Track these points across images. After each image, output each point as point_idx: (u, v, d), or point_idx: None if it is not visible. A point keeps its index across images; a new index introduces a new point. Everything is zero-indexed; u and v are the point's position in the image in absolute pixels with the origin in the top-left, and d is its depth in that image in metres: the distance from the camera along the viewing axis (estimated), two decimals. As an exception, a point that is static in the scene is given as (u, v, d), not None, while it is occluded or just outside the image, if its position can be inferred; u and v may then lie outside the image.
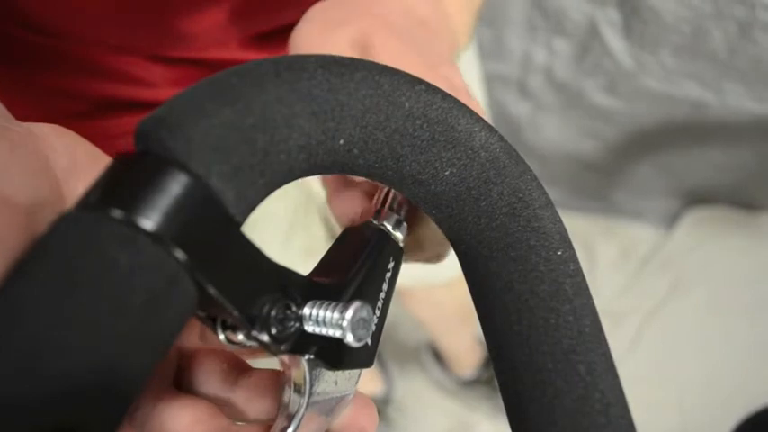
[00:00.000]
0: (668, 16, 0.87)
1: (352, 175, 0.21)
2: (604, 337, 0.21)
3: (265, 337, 0.17)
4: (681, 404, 1.11)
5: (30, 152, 0.18)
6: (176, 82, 0.44)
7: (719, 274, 1.22)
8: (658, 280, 1.25)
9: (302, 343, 0.19)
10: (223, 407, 0.21)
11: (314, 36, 0.26)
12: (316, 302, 0.19)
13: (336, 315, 0.18)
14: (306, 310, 0.19)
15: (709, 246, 1.25)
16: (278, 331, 0.18)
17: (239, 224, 0.17)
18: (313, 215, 0.62)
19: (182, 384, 0.22)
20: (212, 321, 0.19)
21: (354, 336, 0.18)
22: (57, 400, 0.13)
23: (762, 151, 1.07)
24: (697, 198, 1.27)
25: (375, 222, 0.24)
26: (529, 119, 1.19)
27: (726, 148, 1.09)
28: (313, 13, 0.27)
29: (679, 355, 1.16)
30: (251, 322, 0.17)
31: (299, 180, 0.19)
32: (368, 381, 1.15)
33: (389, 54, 0.24)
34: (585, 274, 0.21)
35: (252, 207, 0.18)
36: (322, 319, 0.18)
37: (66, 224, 0.15)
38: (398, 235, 0.24)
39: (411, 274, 0.78)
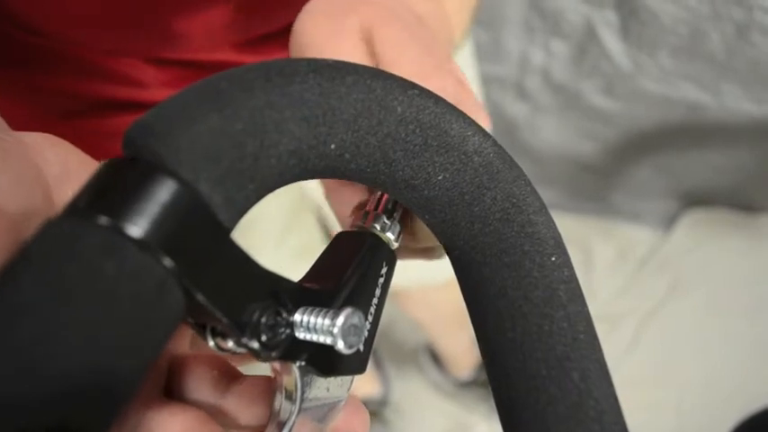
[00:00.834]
0: (666, 18, 0.87)
1: (344, 179, 0.21)
2: (599, 343, 0.21)
3: (255, 345, 0.17)
4: (679, 406, 1.11)
5: (21, 161, 0.18)
6: (169, 83, 0.44)
7: (718, 275, 1.22)
8: (656, 281, 1.25)
9: (293, 350, 0.19)
10: (214, 414, 0.21)
11: (320, 26, 0.25)
12: (307, 309, 0.19)
13: (327, 322, 0.18)
14: (297, 317, 0.18)
15: (707, 247, 1.25)
16: (268, 338, 0.18)
17: (228, 230, 0.17)
18: (307, 215, 0.62)
19: (173, 392, 0.22)
20: (202, 328, 0.19)
21: (345, 343, 0.18)
22: (42, 407, 0.13)
23: (760, 153, 1.07)
24: (695, 199, 1.27)
25: (368, 227, 0.24)
26: (526, 120, 1.19)
27: (724, 150, 1.09)
28: (313, 5, 0.26)
29: (677, 357, 1.16)
30: (241, 329, 0.17)
31: None
32: (365, 382, 1.15)
33: (393, 45, 0.24)
34: (583, 276, 0.21)
35: (242, 213, 0.17)
36: (313, 325, 0.18)
37: (53, 231, 0.15)
38: (392, 239, 0.24)
39: (407, 275, 0.77)
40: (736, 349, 1.15)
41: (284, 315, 0.18)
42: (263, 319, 0.17)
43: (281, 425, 0.20)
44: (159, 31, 0.39)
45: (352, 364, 0.22)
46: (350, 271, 0.22)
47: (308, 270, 0.23)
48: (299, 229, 0.58)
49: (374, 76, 0.20)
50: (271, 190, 0.18)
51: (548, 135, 1.20)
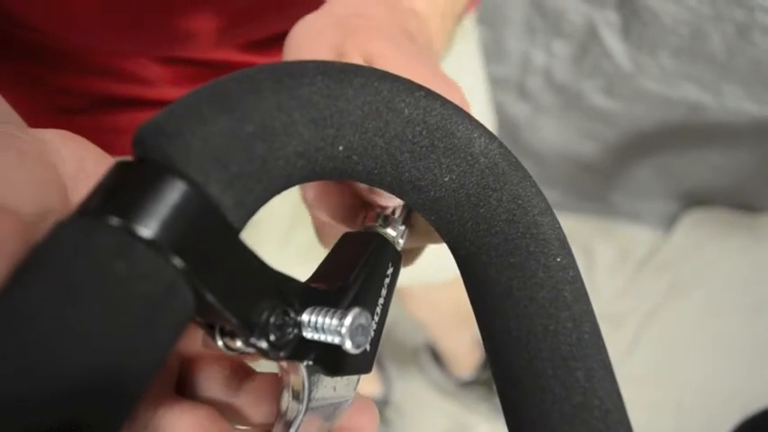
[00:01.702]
0: (667, 18, 0.87)
1: (351, 180, 0.21)
2: (603, 343, 0.21)
3: (264, 344, 0.17)
4: (679, 406, 1.11)
5: (37, 160, 0.18)
6: (175, 81, 0.44)
7: (718, 275, 1.22)
8: (657, 282, 1.25)
9: (301, 349, 0.19)
10: (226, 412, 0.21)
11: (314, 39, 0.26)
12: (314, 309, 0.19)
13: (335, 322, 0.18)
14: (304, 317, 0.19)
15: (707, 247, 1.25)
16: (276, 338, 0.18)
17: (238, 231, 0.17)
18: None
19: (184, 390, 0.22)
20: (211, 328, 0.19)
21: (353, 342, 0.18)
22: (54, 405, 0.13)
23: (760, 153, 1.07)
24: (695, 200, 1.27)
25: (374, 227, 0.24)
26: (527, 120, 1.19)
27: (724, 150, 1.09)
28: (309, 19, 0.27)
29: (677, 357, 1.16)
30: (249, 329, 0.17)
31: None
32: (366, 382, 1.15)
33: (391, 61, 0.24)
34: (583, 276, 0.21)
35: (250, 214, 0.18)
36: (321, 325, 0.18)
37: (65, 231, 0.15)
38: (398, 240, 0.24)
39: (409, 274, 0.77)
40: (736, 349, 1.15)
41: (292, 315, 0.18)
42: (272, 319, 0.18)
43: (288, 424, 0.20)
44: (160, 31, 0.39)
45: (358, 364, 0.22)
46: (356, 271, 0.22)
47: (314, 269, 0.23)
48: (303, 227, 0.58)
49: (381, 78, 0.20)
50: (279, 191, 0.18)
51: (549, 135, 1.20)
